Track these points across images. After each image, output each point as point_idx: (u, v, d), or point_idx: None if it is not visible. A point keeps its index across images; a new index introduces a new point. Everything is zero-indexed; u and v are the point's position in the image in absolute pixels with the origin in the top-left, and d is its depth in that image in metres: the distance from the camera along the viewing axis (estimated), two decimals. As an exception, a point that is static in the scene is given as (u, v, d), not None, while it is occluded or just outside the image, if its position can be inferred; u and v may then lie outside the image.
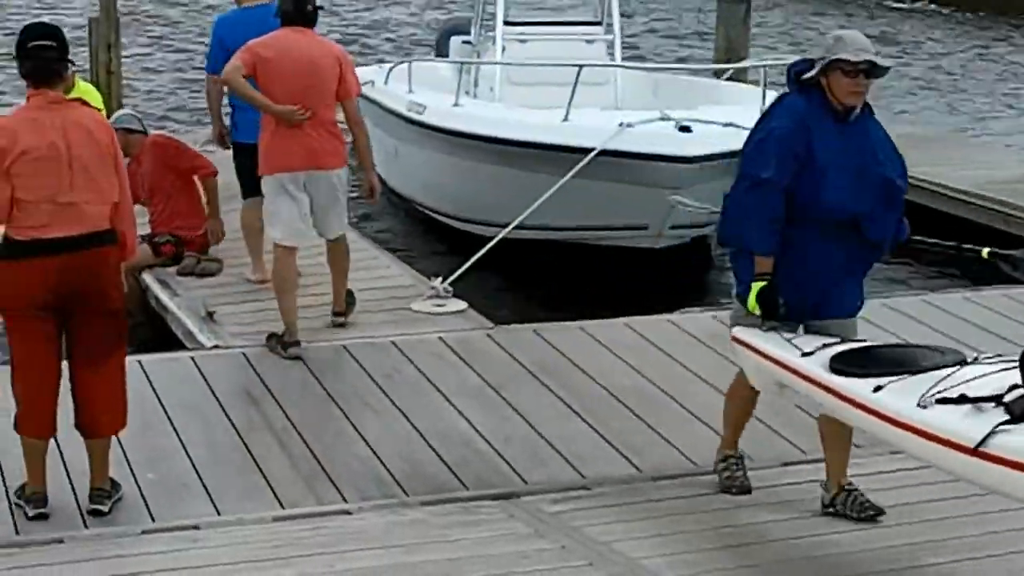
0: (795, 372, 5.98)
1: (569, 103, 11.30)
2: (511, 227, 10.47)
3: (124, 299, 6.59)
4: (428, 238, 13.36)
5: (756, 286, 6.17)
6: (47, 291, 6.23)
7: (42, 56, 6.26)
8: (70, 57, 6.40)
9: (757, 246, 6.20)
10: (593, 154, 10.79)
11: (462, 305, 9.54)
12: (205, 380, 8.12)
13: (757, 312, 6.19)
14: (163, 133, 11.36)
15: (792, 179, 6.11)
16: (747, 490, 6.71)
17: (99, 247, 6.33)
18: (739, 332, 6.36)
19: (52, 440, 6.57)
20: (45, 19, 8.05)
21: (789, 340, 6.09)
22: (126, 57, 17.26)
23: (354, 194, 15.23)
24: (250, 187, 9.56)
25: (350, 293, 9.24)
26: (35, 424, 6.41)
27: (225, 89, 9.33)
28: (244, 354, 8.54)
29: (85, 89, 14.00)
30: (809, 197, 6.12)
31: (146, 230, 10.58)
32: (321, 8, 8.99)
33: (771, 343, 6.14)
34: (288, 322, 8.66)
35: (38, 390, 6.36)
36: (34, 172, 6.17)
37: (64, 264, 6.22)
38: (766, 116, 6.42)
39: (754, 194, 6.17)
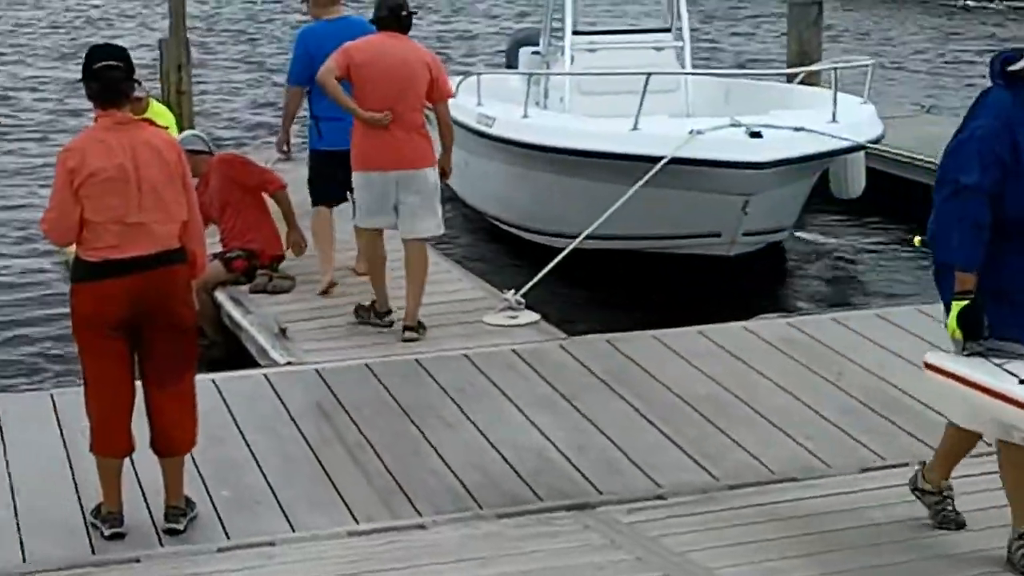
0: (1014, 403, 5.38)
1: (638, 112, 11.23)
2: (581, 237, 10.40)
3: (195, 317, 6.60)
4: (499, 250, 13.34)
5: (957, 306, 5.60)
6: (119, 311, 6.24)
7: (109, 77, 6.28)
8: (137, 78, 6.42)
9: (959, 260, 5.63)
10: (663, 162, 10.71)
11: (535, 317, 9.49)
12: (278, 396, 8.12)
13: (958, 336, 5.63)
14: (229, 151, 11.36)
15: (997, 184, 5.57)
16: (962, 524, 6.21)
17: (169, 266, 6.34)
18: (935, 359, 5.82)
19: (128, 459, 6.59)
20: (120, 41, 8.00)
21: (1000, 366, 5.50)
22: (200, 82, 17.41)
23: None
24: (324, 194, 10.06)
25: (420, 324, 9.27)
26: (109, 443, 6.42)
27: (305, 103, 9.80)
28: (317, 370, 8.53)
29: (159, 110, 14.20)
30: (1016, 206, 5.59)
31: (218, 248, 10.67)
32: (415, 13, 9.38)
33: (979, 370, 5.56)
34: (380, 295, 9.29)
35: (112, 409, 6.38)
36: (103, 193, 6.19)
37: (135, 284, 6.24)
38: (970, 113, 5.79)
39: (955, 202, 5.61)
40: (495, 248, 13.44)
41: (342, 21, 9.96)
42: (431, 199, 9.24)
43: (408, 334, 9.13)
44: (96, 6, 31.70)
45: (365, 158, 9.10)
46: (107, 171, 6.19)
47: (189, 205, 6.45)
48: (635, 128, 11.24)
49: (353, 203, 9.55)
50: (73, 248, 6.49)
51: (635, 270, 11.77)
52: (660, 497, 6.82)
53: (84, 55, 6.43)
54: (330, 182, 9.85)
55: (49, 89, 22.19)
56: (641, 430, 7.60)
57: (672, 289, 11.47)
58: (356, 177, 9.21)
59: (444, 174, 9.53)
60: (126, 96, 6.34)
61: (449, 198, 15.19)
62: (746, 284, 11.54)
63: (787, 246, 12.92)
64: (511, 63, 15.53)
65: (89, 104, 6.43)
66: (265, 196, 10.73)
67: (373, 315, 9.38)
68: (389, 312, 9.34)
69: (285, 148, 10.67)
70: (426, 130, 9.19)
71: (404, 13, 9.11)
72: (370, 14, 9.33)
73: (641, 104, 11.22)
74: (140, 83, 6.51)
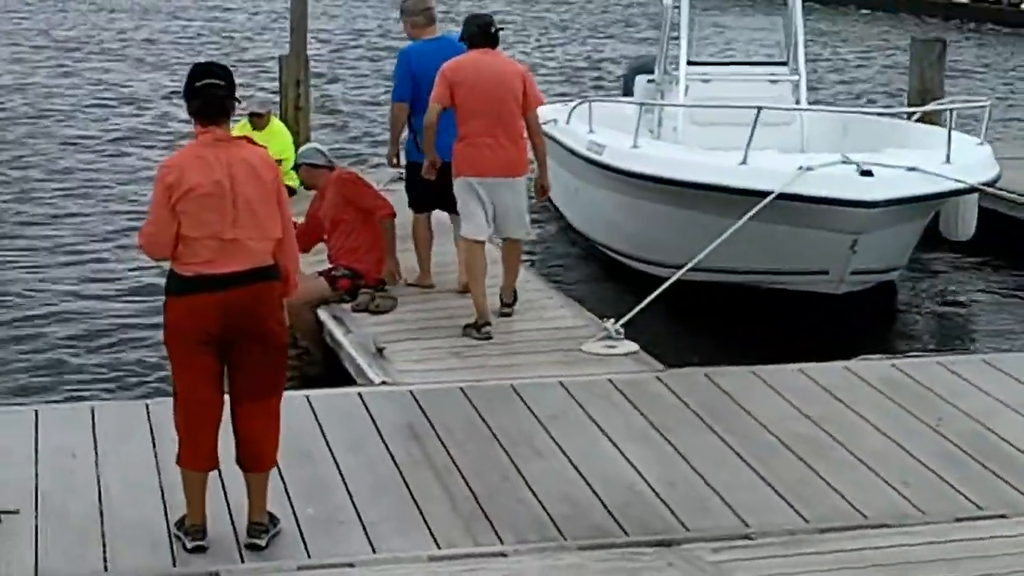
0: None
1: (747, 145, 11.10)
2: (685, 270, 10.30)
3: (286, 334, 6.59)
4: (605, 277, 13.27)
5: None
6: (210, 326, 6.26)
7: (210, 94, 6.30)
8: (238, 96, 6.45)
9: None
10: (771, 197, 10.57)
11: (633, 347, 9.41)
12: (371, 416, 8.11)
13: None
14: (348, 169, 11.43)
15: None
16: None
17: (262, 283, 6.34)
18: None
19: (216, 473, 6.61)
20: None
21: None
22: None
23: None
24: (420, 203, 10.66)
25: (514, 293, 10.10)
26: (195, 457, 6.44)
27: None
28: (411, 392, 8.51)
29: (277, 127, 14.35)
30: None
31: (325, 265, 10.73)
32: (502, 29, 10.03)
33: None
34: (480, 306, 9.73)
35: (199, 424, 6.40)
36: (199, 209, 6.21)
37: (228, 300, 6.25)
38: None
39: None
40: (601, 275, 13.38)
41: (441, 40, 10.58)
42: (524, 205, 9.96)
43: (504, 309, 9.96)
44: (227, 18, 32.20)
45: (469, 165, 9.68)
46: (204, 187, 6.21)
47: (284, 223, 6.45)
48: (744, 162, 11.12)
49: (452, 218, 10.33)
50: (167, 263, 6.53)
51: (738, 304, 11.62)
52: (747, 537, 6.70)
53: (189, 71, 6.47)
54: (426, 192, 10.43)
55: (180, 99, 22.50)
56: (733, 467, 7.48)
57: (775, 325, 11.30)
58: (459, 183, 9.75)
59: (544, 191, 10.22)
60: (226, 114, 6.35)
61: (557, 224, 15.27)
62: (851, 323, 11.34)
63: (898, 286, 12.70)
64: (628, 90, 15.50)
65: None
66: None
67: (474, 331, 9.72)
68: (487, 324, 9.73)
69: (395, 161, 10.93)
70: (523, 139, 9.80)
71: (493, 30, 9.76)
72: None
73: (751, 137, 11.10)
74: (240, 101, 6.51)
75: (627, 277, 12.62)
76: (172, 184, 6.23)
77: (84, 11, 33.64)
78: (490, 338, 9.62)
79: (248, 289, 6.30)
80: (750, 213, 10.46)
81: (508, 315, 10.02)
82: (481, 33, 9.71)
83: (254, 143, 6.53)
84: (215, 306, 6.24)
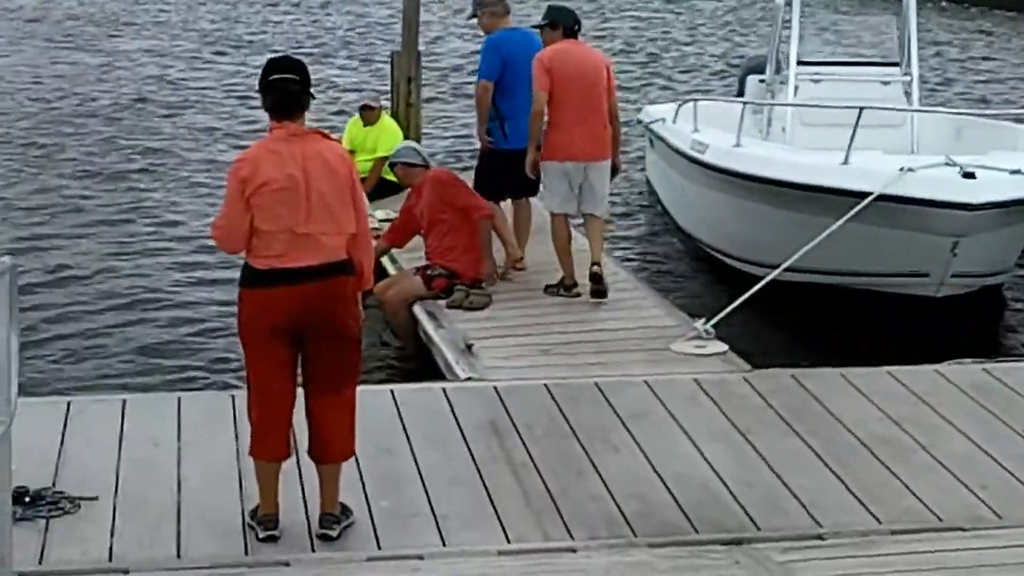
0: None
1: (849, 145, 10.96)
2: (779, 270, 10.22)
3: (360, 328, 6.64)
4: (707, 276, 13.22)
5: None
6: (284, 319, 6.32)
7: (284, 89, 6.37)
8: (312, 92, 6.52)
9: None
10: (871, 198, 10.44)
11: (722, 347, 9.36)
12: (452, 411, 8.16)
13: None
14: (445, 169, 11.51)
15: None
16: None
17: (335, 277, 6.39)
18: None
19: (292, 463, 6.70)
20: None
21: None
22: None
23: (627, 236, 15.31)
24: (496, 190, 11.00)
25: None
26: (268, 448, 6.52)
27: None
28: (495, 387, 8.54)
29: (388, 123, 14.47)
30: None
31: (422, 262, 10.82)
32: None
33: None
34: (568, 269, 10.51)
35: (273, 415, 6.47)
36: (273, 203, 6.27)
37: (301, 293, 6.31)
38: None
39: None
40: (702, 274, 13.34)
41: (521, 31, 11.22)
42: (607, 186, 10.65)
43: (597, 286, 10.39)
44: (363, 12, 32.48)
45: (562, 150, 10.33)
46: (278, 181, 6.27)
47: (358, 217, 6.50)
48: (845, 162, 10.99)
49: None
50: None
51: (833, 305, 11.50)
52: (819, 537, 6.64)
53: (263, 66, 6.55)
54: (505, 180, 10.92)
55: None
56: (812, 469, 7.42)
57: (869, 327, 11.17)
58: (552, 166, 10.41)
59: (616, 170, 10.74)
60: (300, 108, 6.42)
61: (663, 221, 15.25)
62: (948, 327, 11.15)
63: (1004, 292, 12.47)
64: (742, 90, 15.42)
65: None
66: None
67: (562, 288, 10.51)
68: (575, 284, 10.50)
69: (487, 137, 11.09)
70: (608, 124, 10.42)
71: (577, 27, 10.58)
72: None
73: (852, 138, 10.96)
74: (315, 96, 6.58)
75: (727, 276, 12.56)
76: (246, 178, 6.29)
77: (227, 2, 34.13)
78: (579, 295, 10.43)
79: (321, 283, 6.35)
80: (849, 214, 10.34)
81: (602, 294, 10.39)
82: (574, 25, 10.44)
83: (329, 137, 6.61)
84: (287, 299, 6.31)
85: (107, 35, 28.78)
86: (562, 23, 10.51)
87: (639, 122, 17.02)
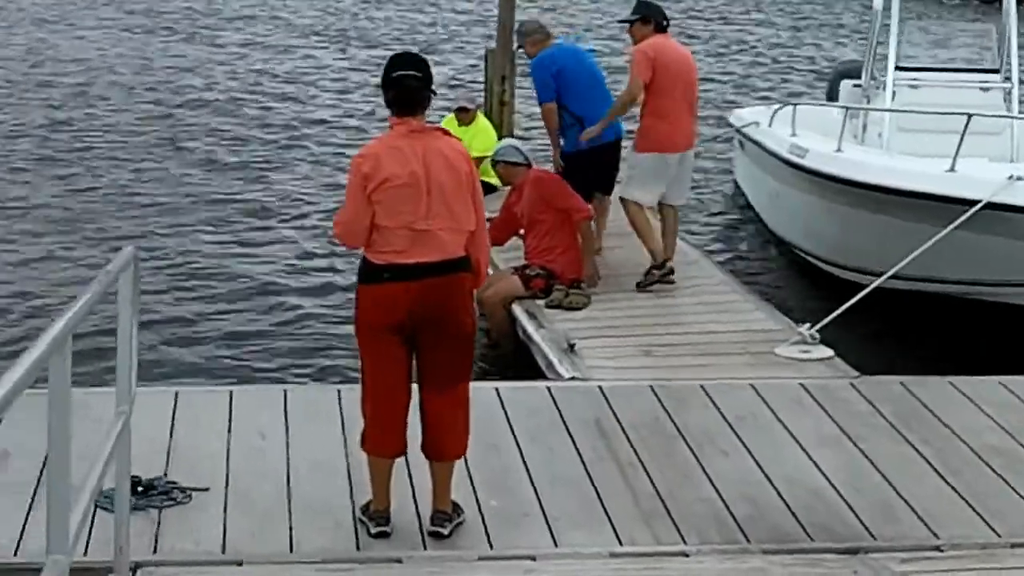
0: None
1: (956, 152, 10.79)
2: (886, 276, 10.06)
3: (474, 325, 6.61)
4: (801, 281, 13.10)
5: None
6: (401, 315, 6.29)
7: (406, 85, 6.35)
8: (434, 88, 6.48)
9: None
10: (978, 207, 10.26)
11: (828, 352, 9.26)
12: (558, 410, 8.10)
13: None
14: (546, 169, 11.47)
15: None
16: None
17: (452, 274, 6.36)
18: None
19: (403, 460, 6.67)
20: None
21: None
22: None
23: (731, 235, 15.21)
24: (587, 187, 11.09)
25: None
26: (380, 443, 6.49)
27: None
28: (600, 387, 8.48)
29: (483, 124, 14.44)
30: None
31: (520, 261, 10.78)
32: None
33: None
34: (656, 248, 10.80)
35: (386, 410, 6.45)
36: (394, 199, 6.24)
37: (419, 289, 6.28)
38: None
39: None
40: (796, 279, 13.22)
41: (561, 46, 11.82)
42: (691, 173, 11.30)
43: (669, 277, 10.73)
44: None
45: (662, 141, 10.70)
46: (400, 177, 6.24)
47: (477, 215, 6.47)
48: (951, 169, 10.82)
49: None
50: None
51: (939, 314, 11.35)
52: (937, 548, 6.52)
53: (385, 62, 6.52)
54: (593, 177, 11.20)
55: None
56: (925, 477, 7.30)
57: (975, 336, 11.00)
58: (650, 158, 10.73)
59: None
60: (422, 105, 6.39)
61: (755, 226, 15.14)
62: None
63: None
64: (833, 94, 15.28)
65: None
66: None
67: (655, 272, 10.77)
68: (667, 260, 10.83)
69: (560, 164, 11.40)
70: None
71: (667, 19, 11.02)
72: None
73: (960, 145, 10.78)
74: (436, 93, 6.54)
75: (822, 282, 12.44)
76: (368, 174, 6.27)
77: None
78: (671, 272, 10.75)
79: (439, 280, 6.32)
80: (956, 222, 10.17)
81: (672, 283, 10.79)
82: (663, 19, 10.91)
83: (450, 134, 6.57)
84: (405, 295, 6.28)
85: (210, 28, 28.97)
86: (654, 18, 10.86)
87: (729, 125, 16.93)
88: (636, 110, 11.08)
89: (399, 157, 6.28)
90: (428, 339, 6.38)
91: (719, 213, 16.44)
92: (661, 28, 10.87)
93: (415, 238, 6.28)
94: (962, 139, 10.75)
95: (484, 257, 6.63)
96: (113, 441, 5.09)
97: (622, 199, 11.03)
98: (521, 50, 12.02)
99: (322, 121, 20.39)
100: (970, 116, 10.96)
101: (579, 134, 11.06)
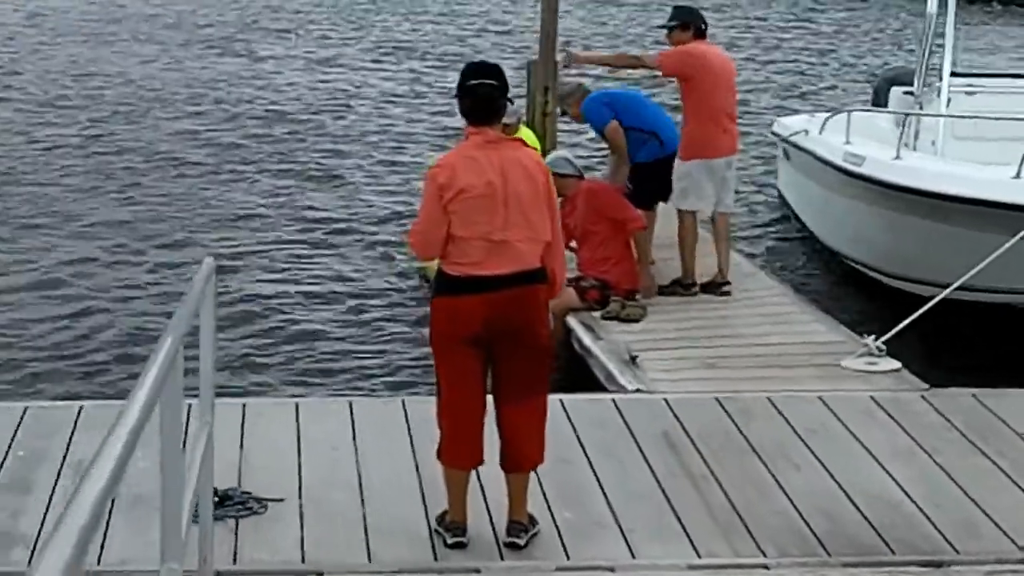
0: None
1: (1022, 160, 10.67)
2: (954, 287, 9.87)
3: (551, 337, 6.55)
4: (853, 291, 12.96)
5: None
6: (478, 326, 6.23)
7: (483, 94, 6.29)
8: (510, 97, 6.42)
9: None
10: None
11: (895, 364, 9.15)
12: (625, 423, 8.02)
13: None
14: (598, 180, 11.42)
15: None
16: None
17: (528, 285, 6.30)
18: None
19: (476, 472, 6.60)
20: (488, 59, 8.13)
21: None
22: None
23: (778, 243, 15.10)
24: (650, 198, 11.21)
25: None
26: (457, 454, 6.43)
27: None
28: (665, 400, 8.40)
29: (526, 133, 14.38)
30: None
31: (574, 273, 10.70)
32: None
33: None
34: (691, 268, 10.83)
35: (463, 421, 6.39)
36: (471, 210, 6.19)
37: (495, 301, 6.22)
38: None
39: None
40: (851, 290, 13.06)
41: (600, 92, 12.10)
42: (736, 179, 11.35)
43: (725, 287, 10.82)
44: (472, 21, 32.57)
45: (712, 145, 10.72)
46: (477, 188, 6.19)
47: (553, 226, 6.41)
48: (1018, 176, 10.68)
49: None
50: (435, 262, 6.56)
51: (1007, 325, 11.23)
52: (1022, 562, 6.43)
53: (462, 70, 6.45)
54: (656, 188, 11.15)
55: (429, 97, 22.94)
56: (1005, 490, 7.20)
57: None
58: (698, 165, 10.72)
59: None
60: (498, 114, 6.34)
61: (799, 234, 15.03)
62: None
63: None
64: (879, 102, 15.10)
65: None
66: None
67: (680, 288, 10.81)
68: (695, 284, 10.81)
69: (628, 184, 11.35)
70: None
71: (706, 23, 11.01)
72: None
73: None
74: (513, 102, 6.48)
75: (876, 293, 12.33)
76: (444, 184, 6.22)
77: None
78: (696, 294, 10.74)
79: (515, 291, 6.26)
80: None
81: (728, 293, 10.81)
82: (702, 24, 10.90)
83: (526, 145, 6.51)
84: (481, 307, 6.22)
85: (250, 42, 29.03)
86: (693, 23, 10.88)
87: (774, 134, 16.81)
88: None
89: (475, 167, 6.23)
90: (505, 351, 6.32)
91: (763, 224, 16.33)
92: (701, 33, 10.89)
93: (491, 249, 6.23)
94: None
95: (561, 268, 6.57)
96: (202, 452, 5.04)
97: (679, 211, 10.99)
98: (565, 116, 12.38)
99: (375, 132, 20.42)
100: None
101: (657, 147, 11.09)
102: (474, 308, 6.23)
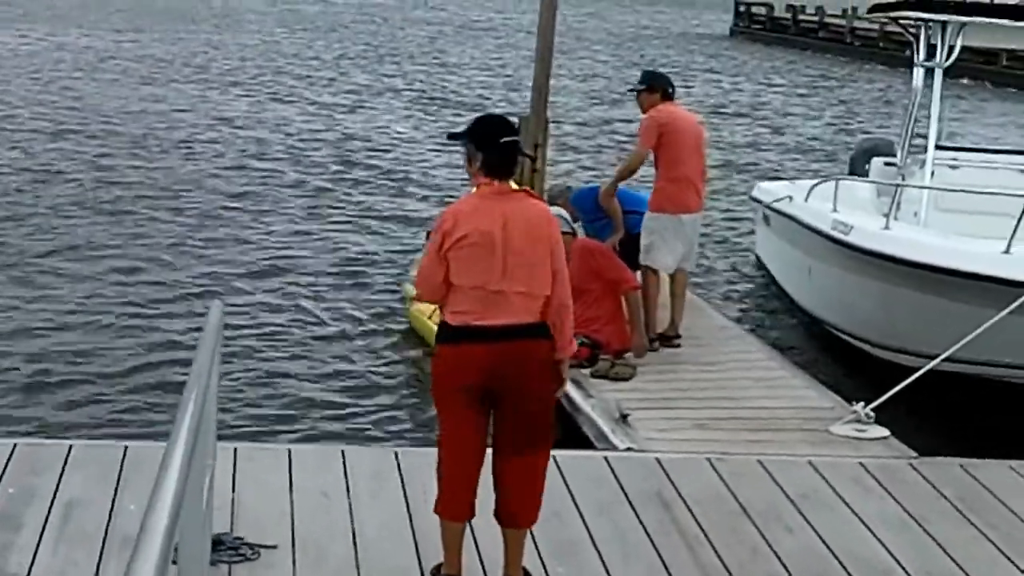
0: None
1: (1012, 234, 10.73)
2: (941, 358, 9.94)
3: (554, 393, 6.52)
4: (839, 361, 13.00)
5: None
6: (476, 377, 6.18)
7: (510, 151, 6.29)
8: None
9: None
10: None
11: (884, 432, 9.19)
12: (617, 480, 8.01)
13: None
14: (592, 239, 11.45)
15: None
16: None
17: (527, 339, 6.24)
18: None
19: (469, 523, 6.57)
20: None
21: None
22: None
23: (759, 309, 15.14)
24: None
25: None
26: (455, 507, 6.38)
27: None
28: (657, 459, 8.39)
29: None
30: None
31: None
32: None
33: None
34: (652, 324, 10.97)
35: (463, 474, 6.33)
36: (468, 258, 6.16)
37: (491, 353, 6.16)
38: None
39: None
40: (834, 359, 13.12)
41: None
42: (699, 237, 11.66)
43: (676, 341, 11.08)
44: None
45: (680, 202, 10.99)
46: (474, 236, 6.15)
47: (557, 280, 6.36)
48: (1007, 251, 10.75)
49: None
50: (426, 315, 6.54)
51: (993, 397, 11.28)
52: (1014, 634, 6.44)
53: (480, 122, 6.43)
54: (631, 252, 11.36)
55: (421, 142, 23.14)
56: (996, 562, 7.20)
57: None
58: (668, 219, 11.00)
59: None
60: (515, 169, 6.37)
61: (779, 301, 15.08)
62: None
63: None
64: (856, 171, 15.19)
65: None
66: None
67: (660, 342, 11.03)
68: (656, 339, 11.02)
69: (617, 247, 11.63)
70: None
71: (673, 86, 11.30)
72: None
73: (1017, 226, 10.70)
74: (532, 158, 6.51)
75: (858, 360, 12.39)
76: (447, 230, 6.21)
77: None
78: (657, 349, 10.92)
79: (514, 344, 6.20)
80: (1014, 304, 10.08)
81: (678, 346, 11.10)
82: (668, 87, 11.19)
83: (535, 196, 6.51)
84: (479, 358, 6.17)
85: (265, 85, 29.11)
86: (660, 86, 11.17)
87: (753, 199, 16.90)
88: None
89: (479, 216, 6.20)
90: (507, 404, 6.28)
91: (742, 287, 16.42)
92: (668, 96, 11.14)
93: (488, 300, 6.17)
94: (1020, 221, 10.64)
95: (566, 324, 6.49)
96: (205, 495, 5.01)
97: (644, 267, 11.07)
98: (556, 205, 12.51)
99: (373, 179, 20.52)
100: None
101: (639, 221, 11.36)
102: (474, 358, 6.19)
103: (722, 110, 34.84)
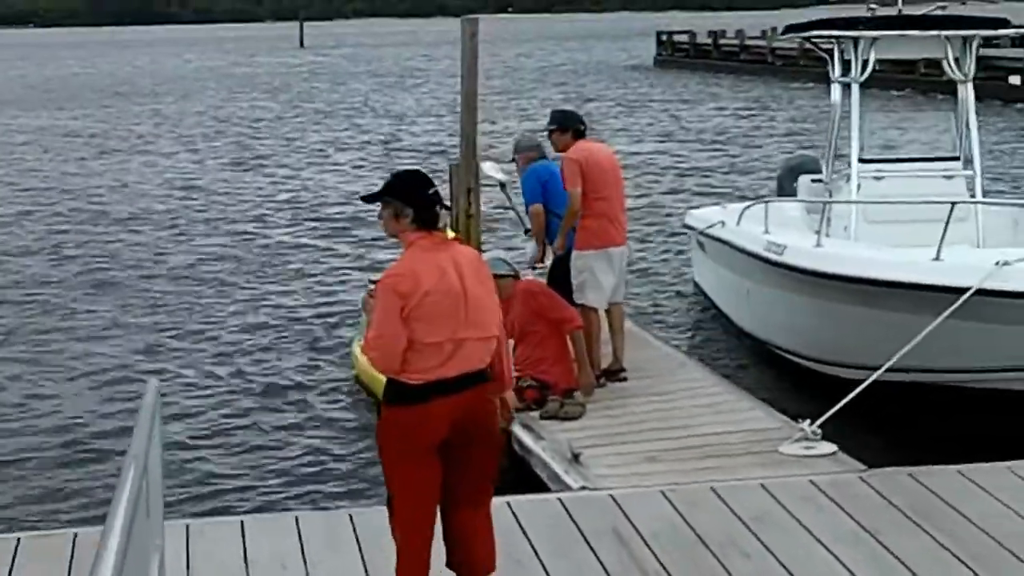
0: None
1: (941, 241, 10.86)
2: (883, 369, 10.05)
3: (503, 432, 6.55)
4: (782, 379, 13.09)
5: None
6: (441, 431, 6.15)
7: (437, 202, 6.30)
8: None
9: None
10: (969, 294, 10.30)
11: (832, 448, 9.25)
12: (573, 521, 8.03)
13: None
14: (535, 280, 11.50)
15: None
16: None
17: (485, 383, 6.29)
18: None
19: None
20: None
21: None
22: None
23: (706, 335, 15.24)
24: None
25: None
26: (417, 568, 6.29)
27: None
28: (612, 496, 8.42)
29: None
30: None
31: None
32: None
33: None
34: (596, 357, 10.97)
35: (423, 535, 6.27)
36: (435, 314, 6.09)
37: (459, 404, 6.15)
38: None
39: None
40: (777, 377, 13.22)
41: (547, 163, 11.95)
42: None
43: (622, 374, 11.13)
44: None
45: (605, 237, 11.00)
46: (438, 292, 6.11)
47: (497, 321, 6.44)
48: (937, 258, 10.88)
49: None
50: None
51: (935, 404, 11.38)
52: (977, 640, 6.49)
53: (400, 178, 6.42)
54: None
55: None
56: (954, 569, 7.25)
57: (976, 424, 11.02)
58: (596, 255, 10.99)
59: None
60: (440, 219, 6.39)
61: (720, 324, 15.17)
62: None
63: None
64: (784, 190, 15.32)
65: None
66: None
67: (605, 377, 11.06)
68: (601, 375, 11.06)
69: (544, 259, 11.84)
70: None
71: (584, 124, 11.44)
72: None
73: (944, 233, 10.82)
74: (449, 207, 6.52)
75: (807, 379, 12.46)
76: (407, 292, 6.08)
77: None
78: (604, 385, 10.93)
79: (474, 392, 6.22)
80: (949, 310, 10.19)
81: (625, 380, 11.12)
82: (584, 126, 11.34)
83: (463, 242, 6.56)
84: (451, 411, 6.14)
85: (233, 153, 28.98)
86: (571, 125, 11.27)
87: (686, 226, 17.01)
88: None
89: (433, 270, 6.15)
90: (463, 454, 6.25)
91: (682, 315, 16.51)
92: (580, 134, 11.22)
93: (453, 350, 6.14)
94: (946, 228, 10.79)
95: (508, 364, 6.62)
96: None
97: (580, 305, 11.02)
98: (513, 163, 12.38)
99: (312, 242, 20.59)
100: (954, 204, 11.08)
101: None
102: (442, 413, 6.12)
103: (652, 138, 35.09)
